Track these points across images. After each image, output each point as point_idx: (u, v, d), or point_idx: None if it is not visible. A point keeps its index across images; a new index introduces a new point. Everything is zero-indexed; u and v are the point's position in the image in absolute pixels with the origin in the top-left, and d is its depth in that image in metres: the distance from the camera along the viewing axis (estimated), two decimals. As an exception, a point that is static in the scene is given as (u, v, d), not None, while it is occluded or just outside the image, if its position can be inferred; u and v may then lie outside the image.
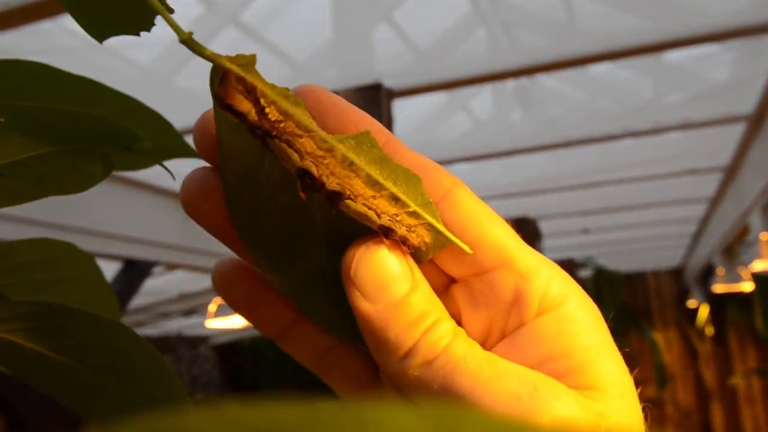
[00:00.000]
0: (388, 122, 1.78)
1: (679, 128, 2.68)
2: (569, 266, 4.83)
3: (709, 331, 6.83)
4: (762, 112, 2.45)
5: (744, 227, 3.58)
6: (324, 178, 0.24)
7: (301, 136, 0.24)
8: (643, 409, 0.25)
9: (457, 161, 3.07)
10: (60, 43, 1.99)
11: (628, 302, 6.95)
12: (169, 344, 5.27)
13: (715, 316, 6.73)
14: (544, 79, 2.72)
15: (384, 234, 0.25)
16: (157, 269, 3.24)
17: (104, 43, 0.33)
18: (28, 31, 1.81)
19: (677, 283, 7.22)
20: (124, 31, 0.31)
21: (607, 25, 2.00)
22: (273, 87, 0.24)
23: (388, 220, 0.25)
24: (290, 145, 0.24)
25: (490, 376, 0.23)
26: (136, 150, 0.32)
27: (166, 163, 0.39)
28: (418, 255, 0.26)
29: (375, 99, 1.78)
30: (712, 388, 6.82)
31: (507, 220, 0.27)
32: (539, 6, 2.19)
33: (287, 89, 0.24)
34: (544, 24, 2.18)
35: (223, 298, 0.28)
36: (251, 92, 0.24)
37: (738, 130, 2.75)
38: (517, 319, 0.25)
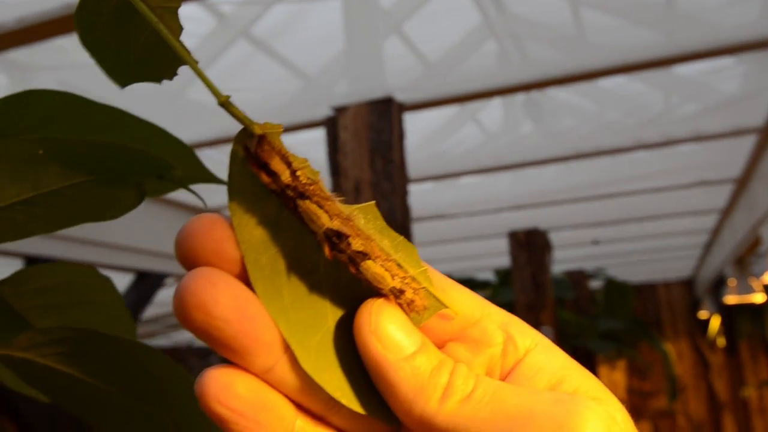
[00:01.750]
0: (399, 135, 1.79)
1: (690, 140, 2.68)
2: (579, 277, 4.82)
3: (721, 342, 6.79)
4: (773, 124, 2.45)
5: (756, 238, 3.57)
6: (351, 239, 0.26)
7: (328, 199, 0.26)
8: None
9: (468, 173, 3.07)
10: (73, 59, 2.01)
11: (639, 313, 6.93)
12: (179, 355, 5.29)
13: (727, 327, 6.70)
14: (554, 91, 2.72)
15: (395, 296, 0.27)
16: (168, 280, 3.26)
17: None
18: (42, 47, 1.83)
19: (688, 294, 7.19)
20: (147, 78, 0.32)
21: (618, 38, 2.01)
22: (295, 156, 0.26)
23: (400, 282, 0.27)
24: (320, 206, 0.26)
25: (531, 391, 0.26)
26: (168, 177, 0.33)
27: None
28: (414, 320, 0.27)
29: (386, 112, 1.78)
30: (724, 399, 6.78)
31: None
32: (549, 19, 2.20)
33: (306, 159, 0.26)
34: (554, 37, 2.19)
35: (220, 412, 0.25)
36: (284, 156, 0.26)
37: (749, 142, 2.74)
38: (514, 356, 0.28)
